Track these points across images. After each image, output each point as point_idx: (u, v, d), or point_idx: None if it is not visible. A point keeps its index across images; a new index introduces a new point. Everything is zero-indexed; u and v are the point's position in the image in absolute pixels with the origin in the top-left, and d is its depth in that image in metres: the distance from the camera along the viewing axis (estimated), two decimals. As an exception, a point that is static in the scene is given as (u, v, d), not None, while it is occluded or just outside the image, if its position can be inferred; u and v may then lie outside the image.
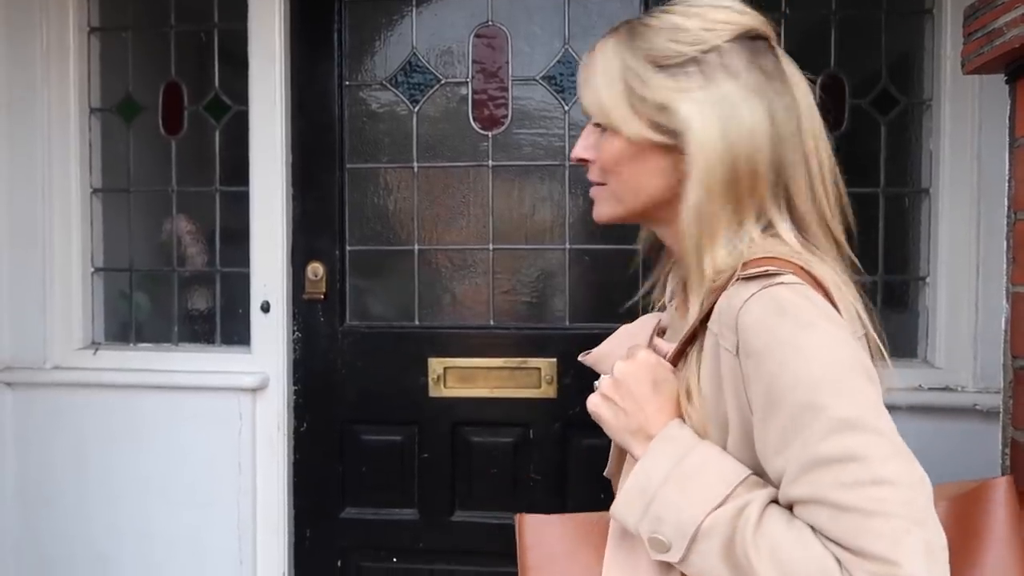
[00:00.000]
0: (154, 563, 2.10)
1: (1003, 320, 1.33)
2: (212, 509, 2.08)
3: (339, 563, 2.11)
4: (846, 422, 0.65)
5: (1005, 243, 1.32)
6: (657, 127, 0.79)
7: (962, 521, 0.72)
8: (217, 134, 2.15)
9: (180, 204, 2.20)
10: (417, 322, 2.10)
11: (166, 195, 2.20)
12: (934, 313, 1.95)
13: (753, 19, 0.82)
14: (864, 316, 0.77)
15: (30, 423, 2.13)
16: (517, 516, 0.84)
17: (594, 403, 0.81)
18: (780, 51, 0.83)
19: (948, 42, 1.89)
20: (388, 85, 2.08)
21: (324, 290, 2.08)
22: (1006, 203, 1.32)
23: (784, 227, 0.79)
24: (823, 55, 1.97)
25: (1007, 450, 1.36)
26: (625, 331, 0.93)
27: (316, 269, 2.08)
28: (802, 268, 0.74)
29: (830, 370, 0.67)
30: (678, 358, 0.80)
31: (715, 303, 0.75)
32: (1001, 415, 1.40)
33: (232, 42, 2.11)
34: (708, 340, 0.75)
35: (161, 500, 2.09)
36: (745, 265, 0.74)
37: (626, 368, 0.79)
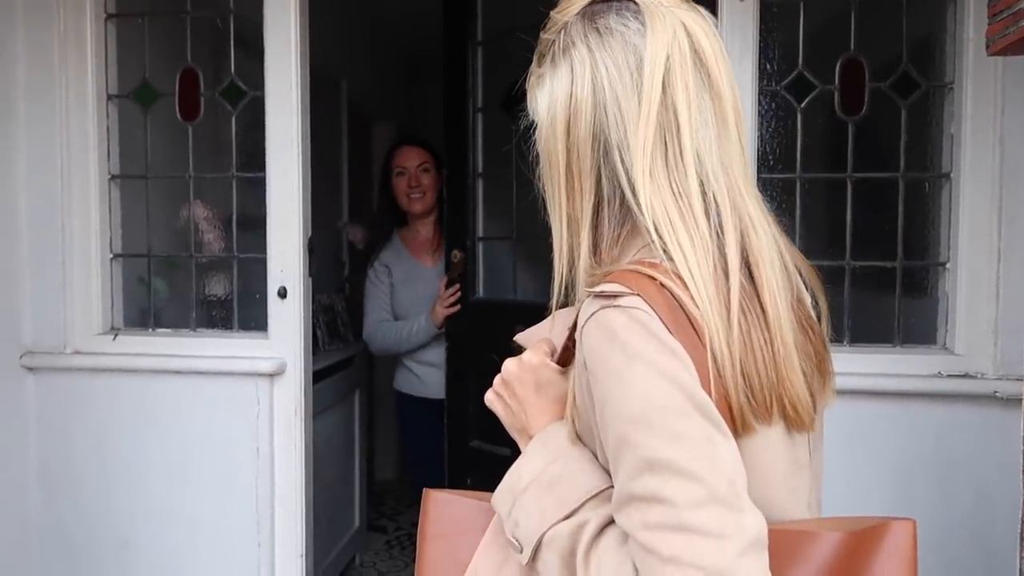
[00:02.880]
0: (174, 545, 2.13)
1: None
2: (231, 492, 2.10)
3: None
4: (655, 463, 0.62)
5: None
6: (536, 117, 0.79)
7: (851, 559, 0.65)
8: (233, 120, 2.16)
9: (197, 190, 2.22)
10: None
11: (183, 181, 2.21)
12: (954, 299, 1.93)
13: None
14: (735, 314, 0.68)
15: (51, 407, 2.16)
16: (424, 490, 0.87)
17: (489, 399, 0.83)
18: (653, 3, 0.74)
19: (971, 24, 1.85)
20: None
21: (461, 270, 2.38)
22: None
23: (636, 212, 0.71)
24: (843, 37, 1.95)
25: (1028, 437, 1.35)
26: (560, 314, 0.85)
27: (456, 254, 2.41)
28: (655, 281, 0.67)
29: (646, 409, 0.63)
30: (566, 358, 0.78)
31: None
32: (1023, 402, 1.38)
33: (248, 28, 2.11)
34: (578, 346, 0.73)
35: (181, 483, 2.12)
36: (607, 275, 0.71)
37: (512, 368, 0.80)
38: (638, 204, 0.70)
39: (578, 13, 0.76)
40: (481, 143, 2.44)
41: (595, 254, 0.75)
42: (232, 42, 2.14)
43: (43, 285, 2.15)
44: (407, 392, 2.62)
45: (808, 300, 0.78)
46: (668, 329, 0.65)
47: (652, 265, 0.69)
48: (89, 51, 2.13)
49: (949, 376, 1.89)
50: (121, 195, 2.23)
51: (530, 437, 0.78)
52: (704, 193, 0.71)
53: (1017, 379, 1.85)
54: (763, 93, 1.95)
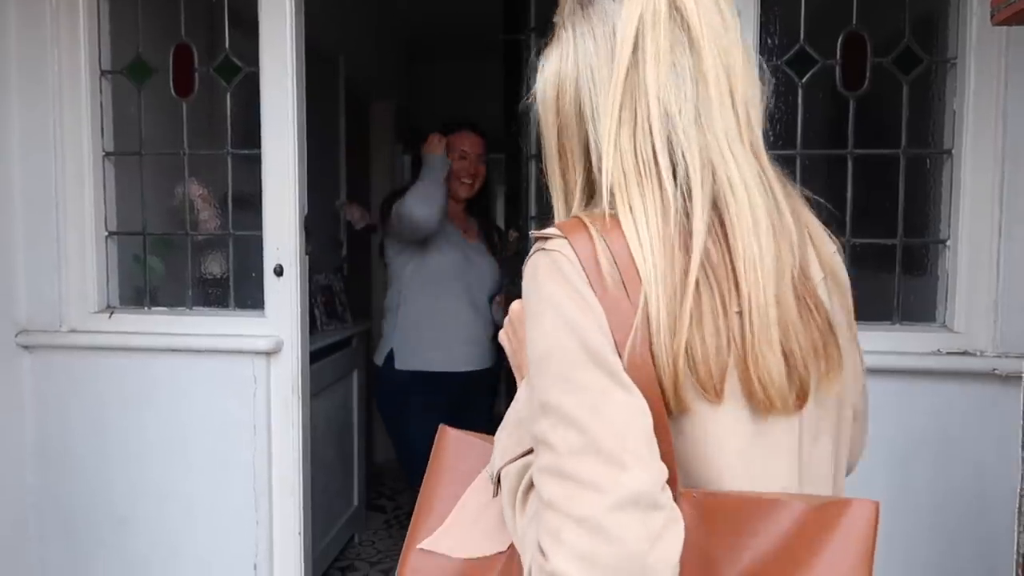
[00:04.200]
0: (172, 523, 2.13)
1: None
2: (228, 470, 2.10)
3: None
4: (547, 407, 0.63)
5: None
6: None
7: (809, 531, 0.63)
8: (228, 96, 2.13)
9: (192, 167, 2.20)
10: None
11: (178, 158, 2.19)
12: (954, 277, 1.91)
13: None
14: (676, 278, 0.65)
15: (48, 386, 2.15)
16: (441, 426, 0.90)
17: (500, 337, 0.87)
18: None
19: (975, -2, 1.83)
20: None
21: None
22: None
23: (597, 176, 0.71)
24: (845, 12, 1.92)
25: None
26: None
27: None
28: (585, 227, 0.67)
29: (547, 352, 0.64)
30: None
31: None
32: (1023, 379, 1.37)
33: (242, 2, 2.08)
34: None
35: (178, 461, 2.11)
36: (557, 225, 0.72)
37: (516, 308, 0.83)
38: (599, 169, 0.70)
39: None
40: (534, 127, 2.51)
41: None
42: (226, 17, 2.11)
43: (38, 263, 2.14)
44: (424, 370, 2.44)
45: (816, 276, 0.72)
46: (587, 277, 0.65)
47: (595, 217, 0.69)
48: (82, 26, 2.11)
49: (948, 354, 1.88)
50: (116, 172, 2.21)
51: (522, 376, 0.80)
52: (672, 153, 0.68)
53: (1017, 356, 1.84)
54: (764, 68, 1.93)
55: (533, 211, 2.65)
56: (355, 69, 3.80)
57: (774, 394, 0.66)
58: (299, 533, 2.10)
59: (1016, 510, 1.40)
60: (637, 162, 0.68)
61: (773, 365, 0.66)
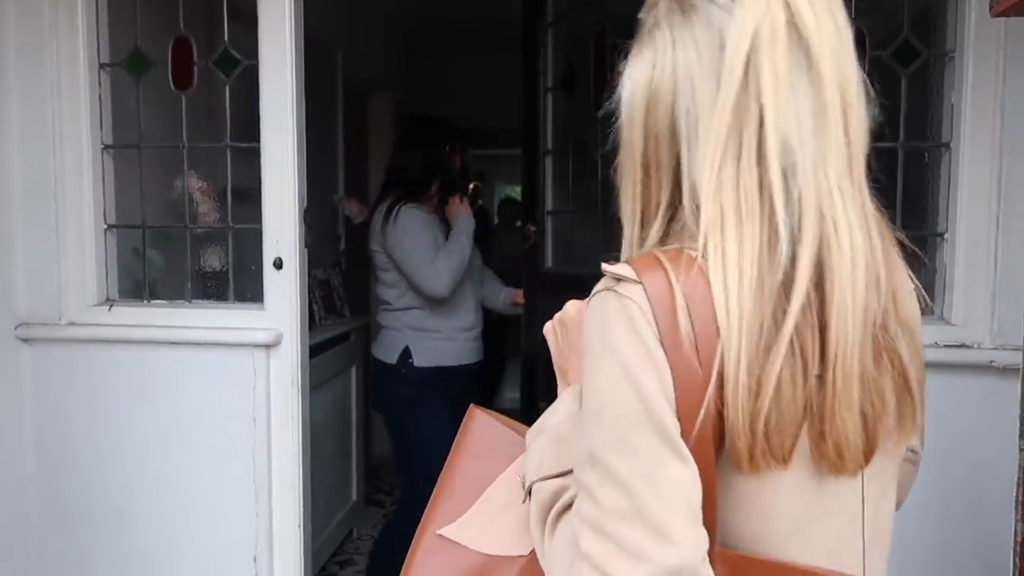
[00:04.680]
0: (171, 516, 2.13)
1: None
2: (228, 463, 2.10)
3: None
4: (597, 461, 0.60)
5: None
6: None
7: None
8: (227, 89, 2.13)
9: (191, 160, 2.20)
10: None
11: (177, 151, 2.19)
12: (952, 270, 1.92)
13: None
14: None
15: (47, 379, 2.15)
16: (471, 406, 0.89)
17: (546, 330, 0.84)
18: None
19: (973, -10, 1.84)
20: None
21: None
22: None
23: (690, 210, 0.64)
24: (844, 4, 1.92)
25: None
26: None
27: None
28: (665, 272, 0.61)
29: (603, 406, 0.60)
30: None
31: None
32: (1021, 372, 1.38)
33: (241, -5, 2.08)
34: None
35: (177, 454, 2.12)
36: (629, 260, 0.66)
37: (572, 312, 0.80)
38: (696, 201, 0.63)
39: None
40: (551, 122, 2.64)
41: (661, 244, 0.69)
42: (225, 10, 2.11)
43: (37, 256, 2.14)
44: (440, 365, 2.42)
45: (893, 328, 0.66)
46: (659, 333, 0.59)
47: (677, 257, 0.62)
48: (80, 18, 2.10)
49: (946, 346, 1.89)
50: (115, 165, 2.21)
51: (566, 381, 0.79)
52: (788, 192, 0.61)
53: (1014, 349, 1.85)
54: (762, 61, 1.93)
55: (550, 206, 2.68)
56: (353, 63, 3.80)
57: (848, 457, 0.62)
58: (299, 526, 2.10)
59: (1014, 500, 1.40)
60: (739, 199, 0.61)
61: (851, 428, 0.62)
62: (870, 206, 0.66)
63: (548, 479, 0.70)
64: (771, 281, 0.60)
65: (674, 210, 0.67)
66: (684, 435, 0.59)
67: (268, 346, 2.06)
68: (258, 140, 2.05)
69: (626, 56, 0.72)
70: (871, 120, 0.67)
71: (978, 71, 1.85)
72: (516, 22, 4.69)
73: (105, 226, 2.19)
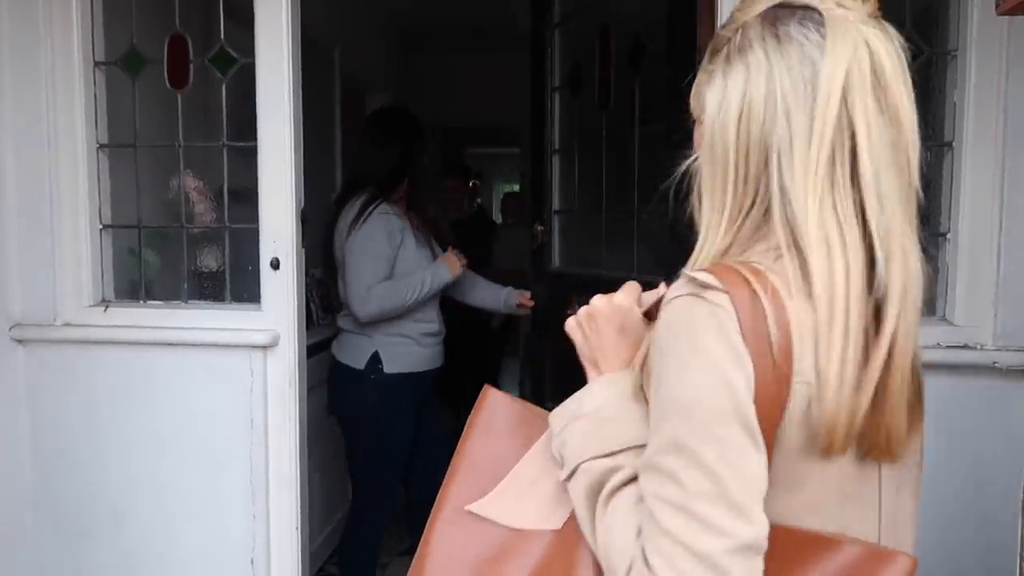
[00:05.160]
0: (168, 517, 2.11)
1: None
2: (225, 464, 2.08)
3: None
4: (683, 449, 0.67)
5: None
6: (700, 112, 0.79)
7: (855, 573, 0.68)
8: (224, 88, 2.11)
9: (187, 159, 2.18)
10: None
11: (173, 150, 2.17)
12: (954, 270, 1.91)
13: None
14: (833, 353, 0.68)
15: (42, 380, 2.13)
16: (485, 386, 0.93)
17: (570, 326, 0.88)
18: (837, 15, 0.71)
19: (976, -12, 1.82)
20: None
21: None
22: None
23: (776, 216, 0.71)
24: (846, 3, 1.91)
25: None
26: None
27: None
28: (749, 286, 0.68)
29: (694, 403, 0.67)
30: (650, 313, 0.84)
31: None
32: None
33: (237, -8, 2.06)
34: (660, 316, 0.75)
35: (174, 456, 2.10)
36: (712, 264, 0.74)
37: (602, 306, 0.85)
38: (794, 222, 0.70)
39: (759, 15, 0.74)
40: (558, 121, 2.64)
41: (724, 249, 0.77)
42: (221, 7, 2.09)
43: (32, 256, 2.12)
44: (410, 371, 2.34)
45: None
46: (743, 335, 0.67)
47: (755, 272, 0.69)
48: (75, 16, 2.08)
49: (948, 347, 1.88)
50: (110, 165, 2.19)
51: (598, 370, 0.84)
52: (866, 222, 0.69)
53: (1017, 350, 1.84)
54: (764, 60, 1.92)
55: (557, 205, 2.66)
56: (351, 62, 3.78)
57: (894, 445, 0.72)
58: (296, 528, 2.09)
59: (1021, 505, 1.39)
60: (840, 224, 0.69)
61: (901, 419, 0.71)
62: (916, 235, 0.74)
63: (596, 459, 0.76)
64: (868, 297, 0.69)
65: (748, 211, 0.74)
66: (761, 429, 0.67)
67: (265, 347, 2.05)
68: (255, 139, 2.03)
69: (707, 69, 0.78)
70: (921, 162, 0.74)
71: (981, 70, 1.83)
72: (512, 21, 4.68)
73: (100, 226, 2.18)
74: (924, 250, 0.74)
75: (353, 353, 2.31)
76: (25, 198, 2.10)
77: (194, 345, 2.08)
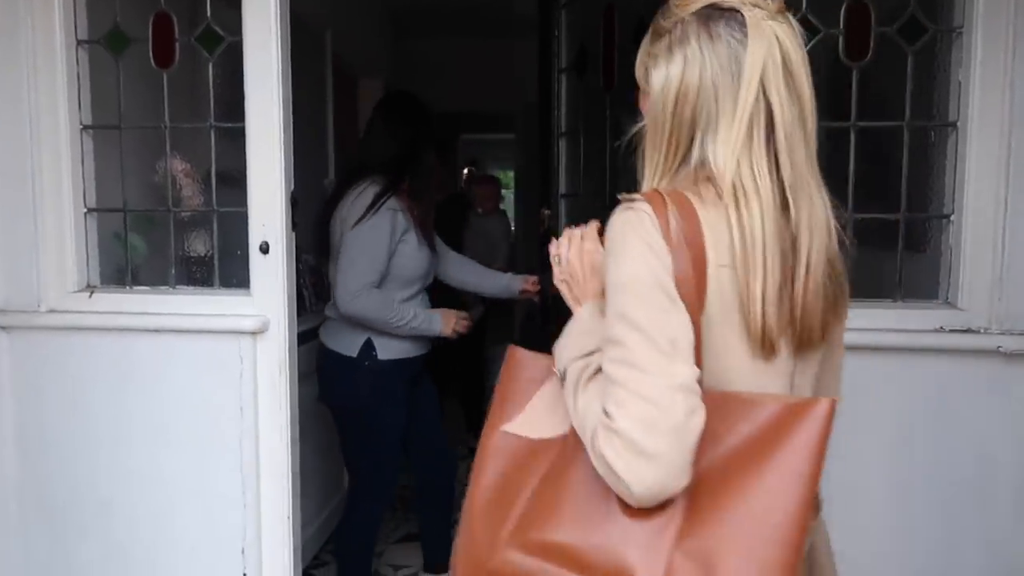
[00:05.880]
0: (157, 506, 2.07)
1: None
2: (215, 452, 2.04)
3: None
4: (624, 316, 0.86)
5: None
6: (646, 85, 1.00)
7: (780, 426, 0.84)
8: (211, 67, 2.06)
9: (174, 141, 2.12)
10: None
11: (159, 132, 2.12)
12: (957, 253, 1.88)
13: None
14: (738, 254, 0.88)
15: (27, 367, 2.09)
16: (510, 347, 1.13)
17: (557, 282, 1.10)
18: (754, 16, 0.90)
19: (983, -36, 1.78)
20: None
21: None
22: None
23: (700, 163, 0.93)
24: (849, -21, 1.87)
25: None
26: None
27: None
28: (663, 198, 0.89)
29: (628, 279, 0.87)
30: None
31: None
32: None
33: (223, -32, 2.00)
34: None
35: (163, 444, 2.06)
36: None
37: (574, 260, 1.06)
38: (715, 175, 0.91)
39: (695, 13, 0.93)
40: (564, 104, 2.65)
41: None
42: (208, -16, 2.03)
43: (14, 241, 2.06)
44: (404, 356, 2.30)
45: (838, 252, 0.97)
46: (661, 232, 0.87)
47: (673, 192, 0.90)
48: (56, -9, 2.02)
49: (951, 331, 1.85)
50: (94, 147, 2.13)
51: (580, 305, 1.05)
52: (784, 171, 0.90)
53: (1021, 334, 1.81)
54: (765, 38, 1.87)
55: (563, 189, 2.64)
56: (343, 45, 3.72)
57: (815, 339, 0.93)
58: (288, 517, 2.05)
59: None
60: (754, 175, 0.89)
61: (818, 314, 0.92)
62: (823, 185, 0.96)
63: (576, 360, 0.95)
64: (783, 231, 0.90)
65: (681, 164, 0.96)
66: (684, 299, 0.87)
67: (255, 333, 2.00)
68: (243, 120, 1.97)
69: (650, 51, 0.98)
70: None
71: (987, 47, 1.79)
72: (506, 4, 4.62)
73: (85, 210, 2.12)
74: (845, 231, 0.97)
75: (345, 340, 2.26)
76: (6, 182, 2.04)
77: (182, 331, 2.03)
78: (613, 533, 0.85)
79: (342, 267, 2.17)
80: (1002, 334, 1.82)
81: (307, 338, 2.46)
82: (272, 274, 2.00)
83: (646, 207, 0.89)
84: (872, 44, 1.88)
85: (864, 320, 1.86)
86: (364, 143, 2.39)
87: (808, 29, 1.87)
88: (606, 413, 0.84)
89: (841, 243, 0.97)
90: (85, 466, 2.09)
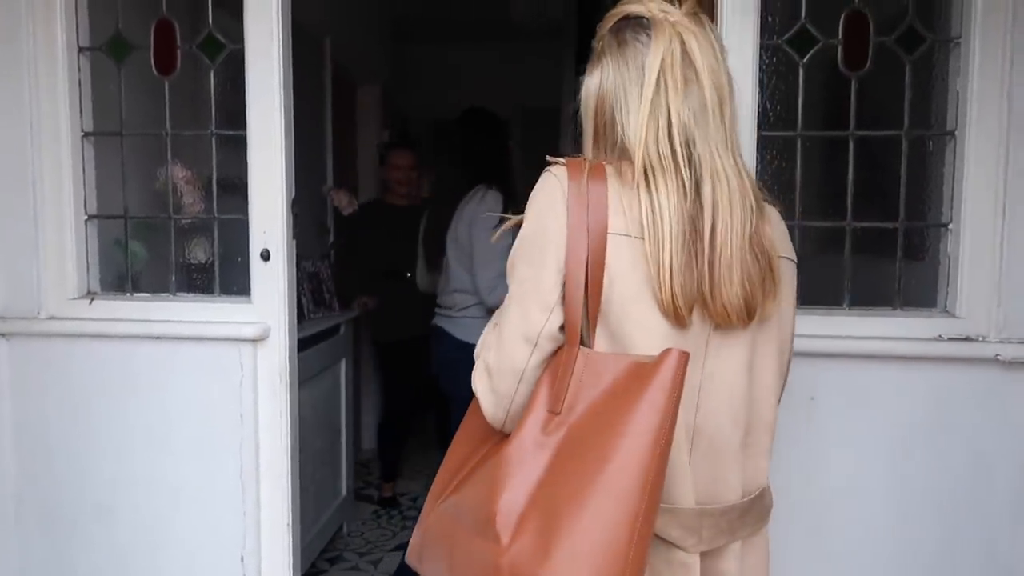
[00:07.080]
0: (156, 513, 2.07)
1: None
2: (214, 459, 2.04)
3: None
4: (513, 267, 1.03)
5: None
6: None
7: (635, 379, 0.90)
8: (212, 74, 2.06)
9: (175, 148, 2.13)
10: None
11: (160, 139, 2.12)
12: (956, 261, 1.88)
13: (635, 7, 1.05)
14: (648, 224, 0.97)
15: (27, 374, 2.08)
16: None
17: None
18: (659, 19, 1.01)
19: (980, -26, 1.79)
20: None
21: None
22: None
23: (623, 149, 1.03)
24: (847, -10, 1.88)
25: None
26: None
27: None
28: (581, 166, 1.00)
29: (525, 235, 1.02)
30: None
31: None
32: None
33: (225, -24, 2.01)
34: None
35: (162, 450, 2.05)
36: None
37: None
38: (628, 156, 1.02)
39: (610, 28, 1.07)
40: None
41: None
42: (209, -9, 2.04)
43: (14, 248, 2.06)
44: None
45: (768, 233, 1.05)
46: (567, 194, 0.98)
47: (593, 164, 1.02)
48: (58, 0, 2.02)
49: (950, 339, 1.85)
50: (95, 153, 2.14)
51: None
52: (689, 153, 0.99)
53: (1020, 342, 1.81)
54: (764, 48, 1.88)
55: None
56: (342, 51, 3.72)
57: (732, 313, 0.99)
58: (287, 524, 2.04)
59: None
60: (659, 156, 0.99)
61: (734, 294, 0.99)
62: (745, 168, 1.04)
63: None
64: (686, 205, 0.98)
65: (606, 151, 1.07)
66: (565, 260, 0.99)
67: (255, 340, 2.00)
68: (244, 127, 1.98)
69: (582, 73, 1.11)
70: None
71: (984, 57, 1.80)
72: (504, 12, 4.63)
73: (86, 216, 2.12)
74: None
75: (471, 331, 2.49)
76: (7, 188, 2.04)
77: (182, 338, 2.03)
78: (496, 480, 0.95)
79: (479, 268, 2.46)
80: (1000, 342, 1.82)
81: (306, 345, 2.47)
82: (273, 281, 2.00)
83: (561, 171, 1.01)
84: (870, 54, 1.89)
85: (863, 328, 1.87)
86: (468, 157, 2.66)
87: (807, 39, 1.90)
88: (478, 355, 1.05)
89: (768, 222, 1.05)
90: (84, 472, 2.08)
